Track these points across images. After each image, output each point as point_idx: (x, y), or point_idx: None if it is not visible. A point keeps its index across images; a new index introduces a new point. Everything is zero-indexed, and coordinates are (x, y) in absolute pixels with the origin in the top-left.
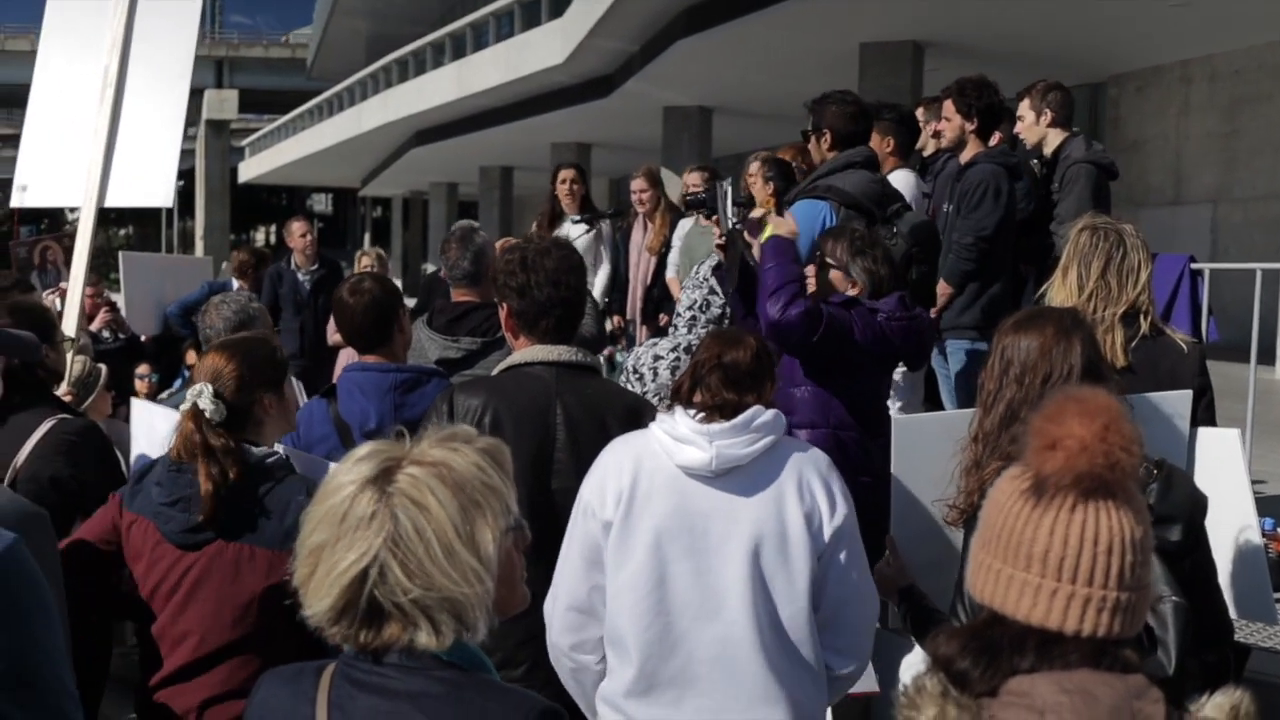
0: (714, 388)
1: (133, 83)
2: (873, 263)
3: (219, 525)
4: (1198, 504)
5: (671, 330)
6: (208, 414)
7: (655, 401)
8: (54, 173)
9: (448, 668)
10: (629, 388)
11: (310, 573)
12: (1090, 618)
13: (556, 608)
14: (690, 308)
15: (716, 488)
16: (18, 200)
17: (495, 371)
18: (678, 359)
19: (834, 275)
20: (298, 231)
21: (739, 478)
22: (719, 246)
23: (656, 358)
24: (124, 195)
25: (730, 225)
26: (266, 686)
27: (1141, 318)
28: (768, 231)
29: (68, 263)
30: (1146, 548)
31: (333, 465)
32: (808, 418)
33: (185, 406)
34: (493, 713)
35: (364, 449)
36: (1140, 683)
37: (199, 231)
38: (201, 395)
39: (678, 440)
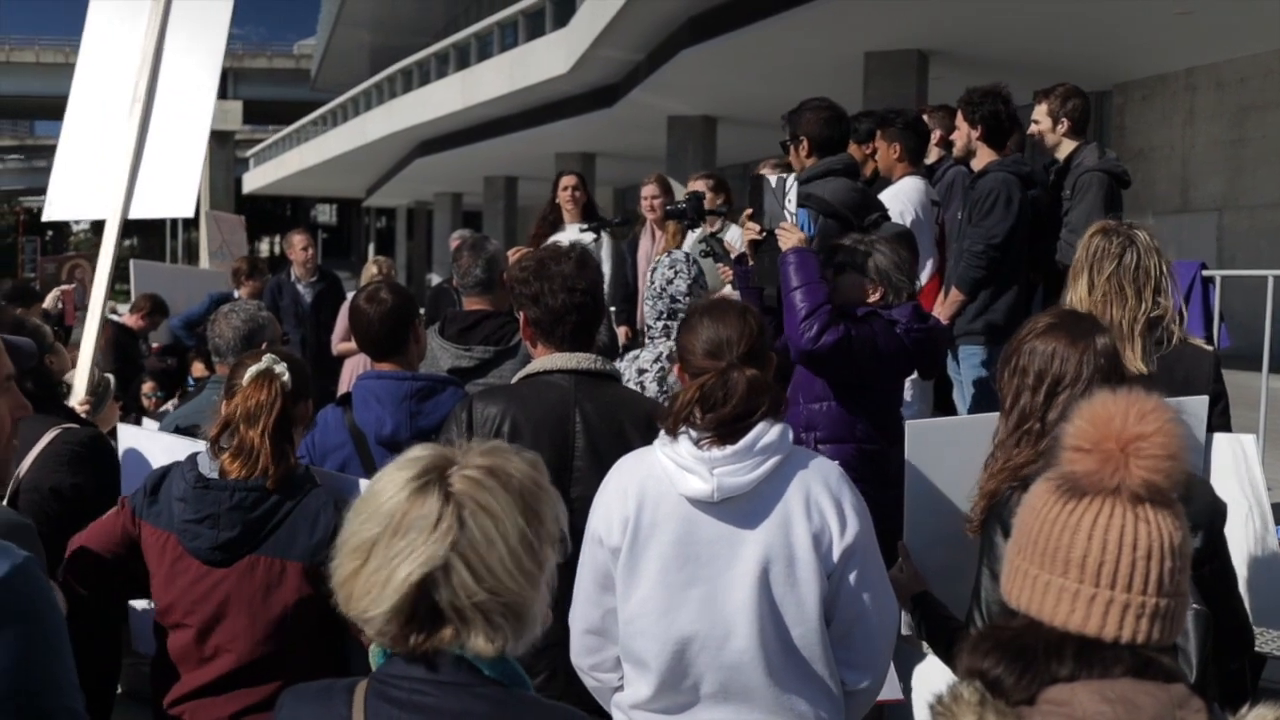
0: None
1: (161, 94)
2: (898, 267)
3: (249, 540)
4: (1217, 511)
5: (649, 342)
6: (285, 378)
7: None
8: (82, 186)
9: (490, 684)
10: None
11: (356, 570)
12: (1130, 624)
13: (574, 631)
14: (659, 318)
15: (721, 515)
16: (48, 213)
17: (515, 380)
18: (662, 368)
19: (855, 280)
20: (299, 244)
21: (744, 503)
22: (752, 242)
23: (641, 371)
24: (147, 207)
25: (787, 219)
26: (291, 706)
27: (1158, 323)
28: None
29: None
30: (1185, 553)
31: (382, 470)
32: (832, 433)
33: (259, 369)
34: None
35: (417, 451)
36: (1182, 692)
37: (203, 243)
38: (278, 363)
39: (680, 468)
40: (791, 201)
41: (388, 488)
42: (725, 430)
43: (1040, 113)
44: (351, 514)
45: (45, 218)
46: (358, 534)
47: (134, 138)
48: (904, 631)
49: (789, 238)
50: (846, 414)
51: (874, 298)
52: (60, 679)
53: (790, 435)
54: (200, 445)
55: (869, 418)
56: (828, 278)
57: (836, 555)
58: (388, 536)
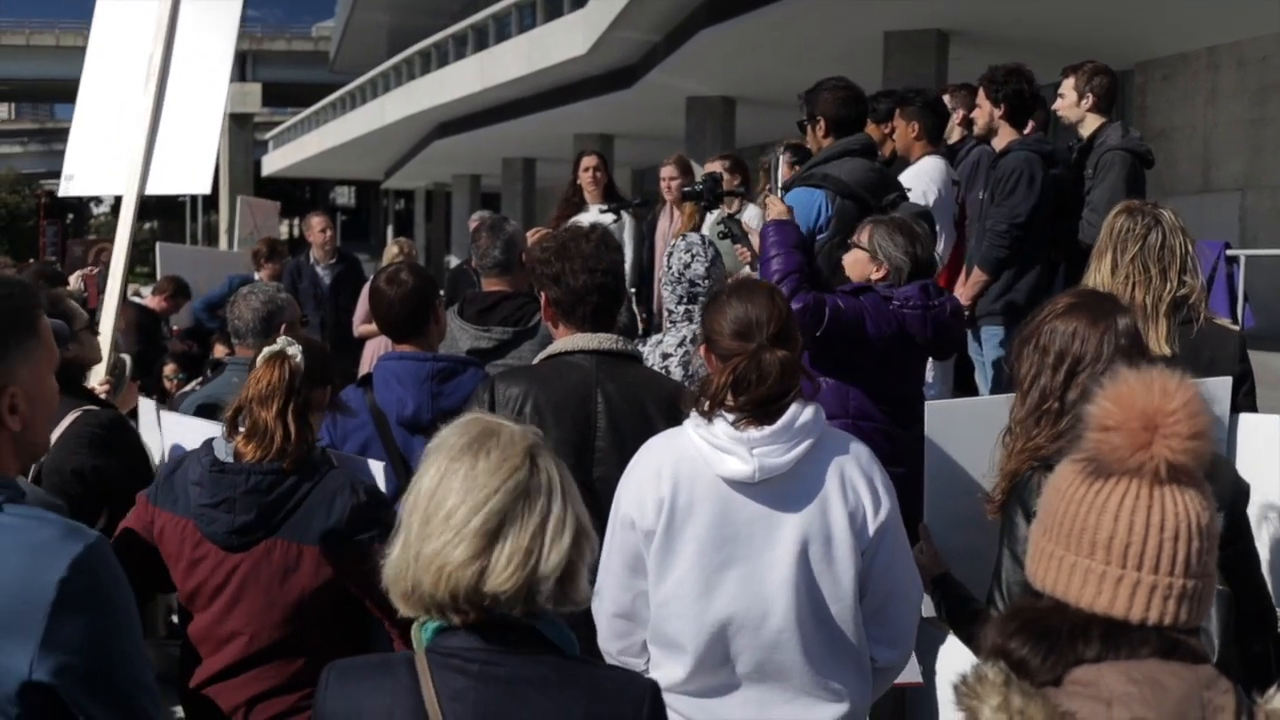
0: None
1: (176, 69)
2: (908, 247)
3: (266, 524)
4: (1240, 491)
5: (669, 326)
6: (297, 359)
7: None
8: (100, 161)
9: (551, 650)
10: None
11: (485, 548)
12: (1157, 606)
13: (602, 614)
14: (680, 301)
15: (759, 495)
16: (64, 189)
17: (537, 360)
18: (686, 352)
19: (859, 258)
20: (317, 226)
21: (781, 482)
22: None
23: (665, 355)
24: (164, 183)
25: (777, 192)
26: (339, 682)
27: (1184, 302)
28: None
29: None
30: (1213, 534)
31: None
32: (826, 408)
33: (272, 350)
34: (610, 692)
35: (481, 425)
36: (1210, 673)
37: (223, 226)
38: (291, 344)
39: (717, 449)
40: (781, 175)
41: (508, 455)
42: (760, 412)
43: (1067, 87)
44: (442, 497)
45: (62, 193)
46: (477, 512)
47: (150, 113)
48: (924, 614)
49: (773, 209)
50: (840, 390)
51: (878, 276)
52: (131, 654)
53: (823, 415)
54: (219, 429)
55: (870, 395)
56: (838, 257)
57: (871, 532)
58: (522, 512)
